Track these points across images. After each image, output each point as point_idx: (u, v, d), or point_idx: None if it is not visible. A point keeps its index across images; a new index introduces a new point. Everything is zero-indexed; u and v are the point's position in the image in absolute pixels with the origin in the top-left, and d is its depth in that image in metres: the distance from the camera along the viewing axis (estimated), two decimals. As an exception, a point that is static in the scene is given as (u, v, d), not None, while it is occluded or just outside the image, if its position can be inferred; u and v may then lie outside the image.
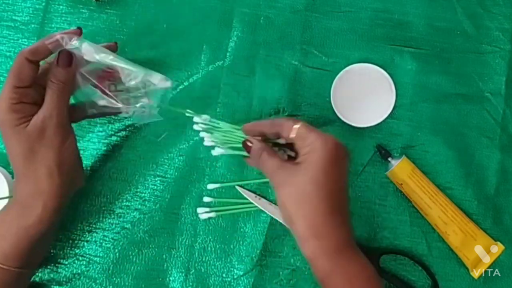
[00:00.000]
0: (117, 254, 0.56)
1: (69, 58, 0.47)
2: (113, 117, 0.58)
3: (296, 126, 0.46)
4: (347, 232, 0.45)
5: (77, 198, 0.55)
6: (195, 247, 0.56)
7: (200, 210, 0.56)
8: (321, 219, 0.43)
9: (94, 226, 0.56)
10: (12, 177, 0.56)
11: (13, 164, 0.48)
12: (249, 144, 0.49)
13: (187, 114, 0.52)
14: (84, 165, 0.57)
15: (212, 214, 0.56)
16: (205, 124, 0.53)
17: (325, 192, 0.43)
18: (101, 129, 0.58)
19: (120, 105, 0.49)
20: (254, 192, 0.57)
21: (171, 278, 0.56)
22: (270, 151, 0.48)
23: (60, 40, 0.47)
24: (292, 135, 0.47)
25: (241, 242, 0.56)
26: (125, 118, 0.58)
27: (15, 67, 0.47)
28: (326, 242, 0.43)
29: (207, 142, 0.52)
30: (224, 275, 0.56)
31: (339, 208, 0.45)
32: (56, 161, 0.47)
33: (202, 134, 0.52)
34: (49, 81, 0.47)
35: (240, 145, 0.50)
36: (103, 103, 0.50)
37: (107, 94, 0.50)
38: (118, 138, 0.58)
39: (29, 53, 0.47)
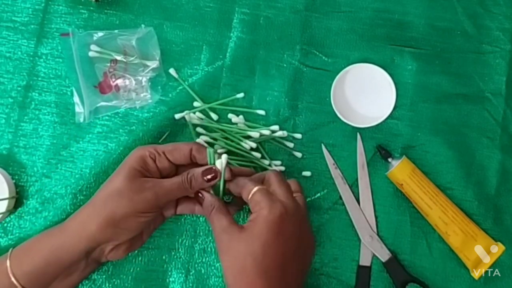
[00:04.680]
0: (117, 254, 0.56)
1: (214, 179, 0.49)
2: (112, 116, 0.58)
3: (254, 190, 0.46)
4: None
5: (78, 199, 0.55)
6: (195, 248, 0.56)
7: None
8: None
9: (94, 226, 0.56)
10: (12, 178, 0.56)
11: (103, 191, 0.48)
12: (200, 196, 0.49)
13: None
14: (84, 165, 0.57)
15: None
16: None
17: (263, 268, 0.43)
18: (100, 130, 0.58)
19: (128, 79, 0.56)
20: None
21: (171, 279, 0.55)
22: (221, 208, 0.47)
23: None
24: (249, 197, 0.47)
25: (241, 243, 0.56)
26: (125, 117, 0.58)
27: (178, 144, 0.51)
28: None
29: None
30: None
31: (279, 284, 0.44)
32: (119, 215, 0.47)
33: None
34: (188, 175, 0.49)
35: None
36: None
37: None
38: (118, 139, 0.58)
39: (195, 149, 0.50)
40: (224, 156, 0.49)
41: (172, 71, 0.59)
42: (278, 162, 0.57)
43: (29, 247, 0.48)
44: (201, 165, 0.50)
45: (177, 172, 0.52)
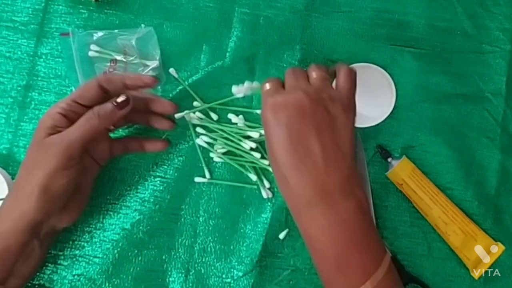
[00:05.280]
0: (117, 255, 0.55)
1: (126, 105, 0.49)
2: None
3: (266, 88, 0.45)
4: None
5: (77, 199, 0.55)
6: (195, 248, 0.56)
7: (197, 179, 0.57)
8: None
9: (93, 227, 0.56)
10: (12, 178, 0.56)
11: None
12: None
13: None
14: (83, 166, 0.57)
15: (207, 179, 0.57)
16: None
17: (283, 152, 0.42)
18: (100, 129, 0.58)
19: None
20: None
21: (170, 279, 0.55)
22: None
23: (142, 80, 0.50)
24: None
25: (241, 243, 0.56)
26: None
27: (84, 85, 0.49)
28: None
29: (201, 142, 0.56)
30: (224, 276, 0.56)
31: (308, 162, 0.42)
32: (41, 183, 0.46)
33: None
34: (93, 109, 0.48)
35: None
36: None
37: None
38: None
39: (104, 80, 0.49)
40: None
41: (172, 71, 0.59)
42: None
43: None
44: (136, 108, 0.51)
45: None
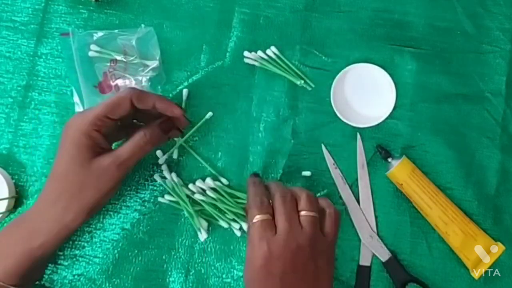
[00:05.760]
0: (117, 255, 0.56)
1: (170, 129, 0.50)
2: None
3: (252, 221, 0.44)
4: None
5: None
6: (195, 248, 0.56)
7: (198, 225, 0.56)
8: None
9: (93, 227, 0.56)
10: (12, 178, 0.56)
11: (52, 175, 0.48)
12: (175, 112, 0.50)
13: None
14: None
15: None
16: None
17: None
18: (100, 129, 0.58)
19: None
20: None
21: (170, 279, 0.55)
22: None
23: (172, 111, 0.50)
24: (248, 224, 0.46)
25: (241, 243, 0.56)
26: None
27: (116, 99, 0.48)
28: None
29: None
30: (224, 276, 0.56)
31: None
32: (93, 204, 0.48)
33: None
34: (143, 132, 0.49)
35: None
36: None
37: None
38: (118, 139, 0.58)
39: (136, 98, 0.48)
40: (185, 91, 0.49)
41: (185, 92, 0.58)
42: (308, 173, 0.57)
43: (4, 250, 0.48)
44: (145, 110, 0.50)
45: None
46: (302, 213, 0.45)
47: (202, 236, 0.55)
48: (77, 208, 0.47)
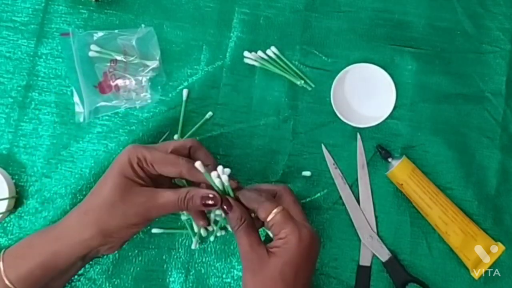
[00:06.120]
0: (117, 255, 0.55)
1: (213, 206, 0.47)
2: (112, 116, 0.58)
3: (275, 211, 0.45)
4: None
5: (77, 199, 0.55)
6: (195, 248, 0.56)
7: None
8: None
9: (94, 226, 0.56)
10: (12, 178, 0.56)
11: (91, 191, 0.48)
12: (227, 206, 0.46)
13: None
14: (84, 165, 0.57)
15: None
16: None
17: None
18: (100, 129, 0.58)
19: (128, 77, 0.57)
20: None
21: (171, 279, 0.55)
22: (251, 225, 0.46)
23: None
24: (269, 219, 0.45)
25: (241, 243, 0.56)
26: (125, 117, 0.58)
27: (171, 165, 0.47)
28: None
29: None
30: (224, 276, 0.56)
31: None
32: (113, 230, 0.47)
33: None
34: (187, 193, 0.47)
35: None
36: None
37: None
38: (118, 139, 0.58)
39: (186, 172, 0.47)
40: (227, 171, 0.44)
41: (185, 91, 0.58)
42: (308, 173, 0.58)
43: (23, 252, 0.47)
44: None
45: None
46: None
47: (194, 244, 0.55)
48: (96, 226, 0.46)
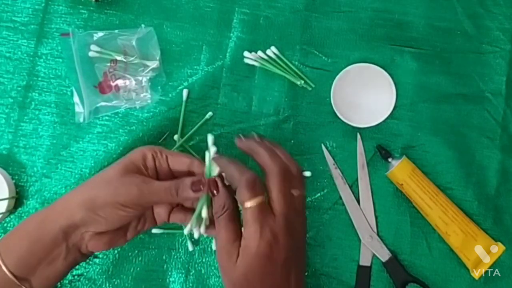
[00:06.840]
0: (117, 255, 0.56)
1: (216, 186, 0.46)
2: (112, 116, 0.58)
3: (247, 204, 0.42)
4: None
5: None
6: (195, 248, 0.56)
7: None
8: None
9: (94, 227, 0.56)
10: (12, 178, 0.56)
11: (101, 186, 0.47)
12: (214, 190, 0.45)
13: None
14: (84, 166, 0.57)
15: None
16: None
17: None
18: (100, 130, 0.58)
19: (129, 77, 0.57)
20: None
21: (171, 279, 0.55)
22: (233, 215, 0.44)
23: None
24: (243, 207, 0.43)
25: (241, 243, 0.56)
26: (125, 117, 0.58)
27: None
28: None
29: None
30: (224, 276, 0.56)
31: None
32: (99, 203, 0.46)
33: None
34: (178, 186, 0.47)
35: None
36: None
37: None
38: (118, 139, 0.58)
39: (199, 164, 0.49)
40: (213, 150, 0.45)
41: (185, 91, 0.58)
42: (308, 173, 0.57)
43: (16, 229, 0.47)
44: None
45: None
46: (295, 193, 0.44)
47: (190, 246, 0.55)
48: (82, 195, 0.46)
